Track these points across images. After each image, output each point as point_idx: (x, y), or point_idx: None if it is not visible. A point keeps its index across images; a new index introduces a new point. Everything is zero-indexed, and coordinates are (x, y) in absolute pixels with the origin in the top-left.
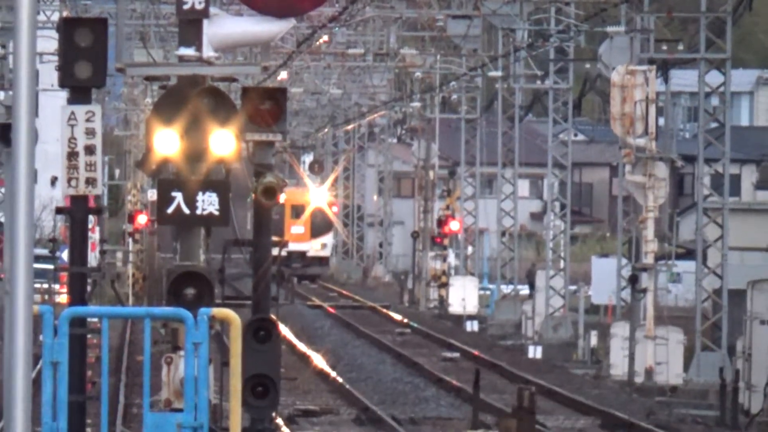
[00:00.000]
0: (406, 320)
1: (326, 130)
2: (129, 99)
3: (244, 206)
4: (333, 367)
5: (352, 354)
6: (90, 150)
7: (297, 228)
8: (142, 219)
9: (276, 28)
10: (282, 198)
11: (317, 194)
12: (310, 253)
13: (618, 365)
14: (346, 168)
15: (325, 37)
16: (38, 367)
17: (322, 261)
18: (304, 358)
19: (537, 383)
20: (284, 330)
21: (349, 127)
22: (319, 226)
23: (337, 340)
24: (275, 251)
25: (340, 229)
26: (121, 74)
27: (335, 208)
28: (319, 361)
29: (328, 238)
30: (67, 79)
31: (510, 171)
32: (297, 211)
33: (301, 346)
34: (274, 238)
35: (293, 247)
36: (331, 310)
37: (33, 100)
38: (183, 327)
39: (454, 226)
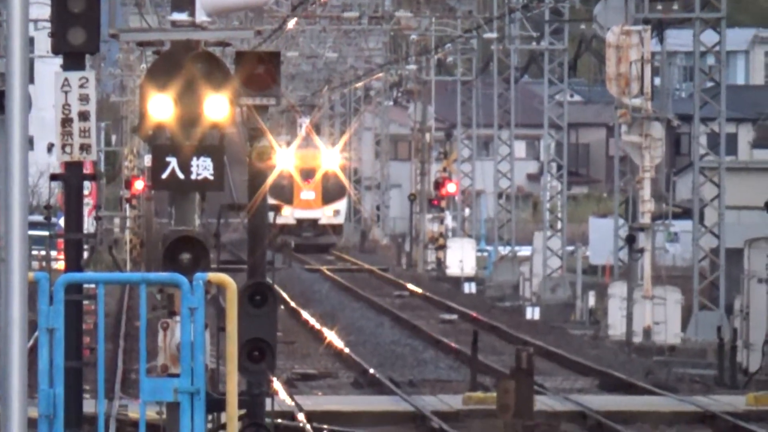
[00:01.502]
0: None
1: (324, 91)
2: (125, 65)
3: (243, 171)
4: (332, 330)
5: (351, 317)
6: (84, 116)
7: (307, 193)
8: (139, 185)
9: None
10: (290, 162)
11: (329, 156)
12: (322, 221)
13: (616, 325)
14: (343, 131)
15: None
16: (35, 334)
17: (335, 229)
18: (302, 322)
19: (535, 344)
20: (282, 294)
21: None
22: (332, 191)
23: (335, 304)
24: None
25: (353, 195)
26: (115, 40)
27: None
28: (317, 324)
29: (342, 204)
30: (60, 45)
31: (506, 132)
32: (307, 175)
33: (300, 310)
34: (271, 202)
35: (303, 214)
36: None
37: (26, 67)
38: (179, 292)
39: (450, 188)
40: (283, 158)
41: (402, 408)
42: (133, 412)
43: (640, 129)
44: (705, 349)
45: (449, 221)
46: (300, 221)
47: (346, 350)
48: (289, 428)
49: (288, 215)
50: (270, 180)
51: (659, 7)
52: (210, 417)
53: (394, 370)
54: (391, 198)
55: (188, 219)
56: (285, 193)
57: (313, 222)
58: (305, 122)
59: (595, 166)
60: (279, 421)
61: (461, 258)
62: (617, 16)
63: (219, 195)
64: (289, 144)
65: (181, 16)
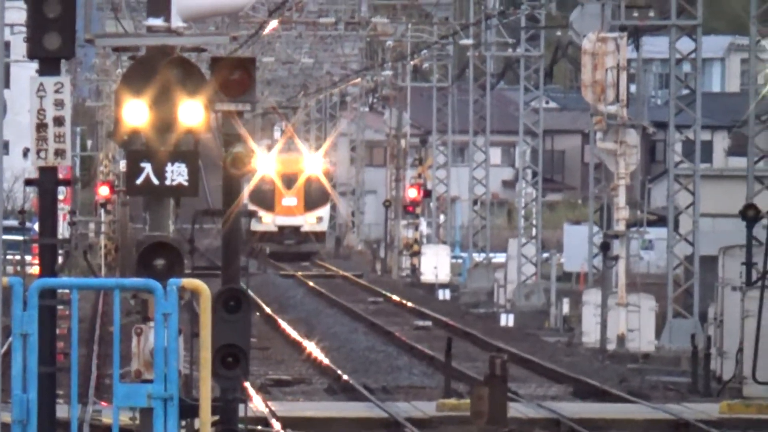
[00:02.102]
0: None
1: (300, 96)
2: (101, 70)
3: (218, 177)
4: (306, 337)
5: (325, 323)
6: (59, 121)
7: (289, 200)
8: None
9: None
10: (271, 167)
11: (312, 161)
12: (305, 228)
13: (590, 332)
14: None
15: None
16: (9, 339)
17: (318, 236)
18: (277, 328)
19: (509, 351)
20: (256, 300)
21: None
22: (315, 197)
23: (310, 310)
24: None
25: (337, 201)
26: (91, 45)
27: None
28: (291, 330)
29: (325, 211)
30: (36, 50)
31: (482, 139)
32: (289, 180)
33: (274, 316)
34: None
35: (285, 221)
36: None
37: (1, 72)
38: (153, 298)
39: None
40: (264, 163)
41: (376, 414)
42: (107, 417)
43: (615, 136)
44: (679, 356)
45: (424, 227)
46: (281, 228)
47: (320, 356)
48: None
49: (269, 222)
50: (251, 185)
51: (635, 14)
52: (183, 423)
53: (368, 376)
54: (366, 204)
55: (163, 225)
56: (266, 199)
57: (295, 229)
58: (282, 126)
59: (570, 173)
60: (253, 427)
61: (436, 264)
62: (593, 22)
63: (193, 200)
64: (270, 148)
65: (157, 22)
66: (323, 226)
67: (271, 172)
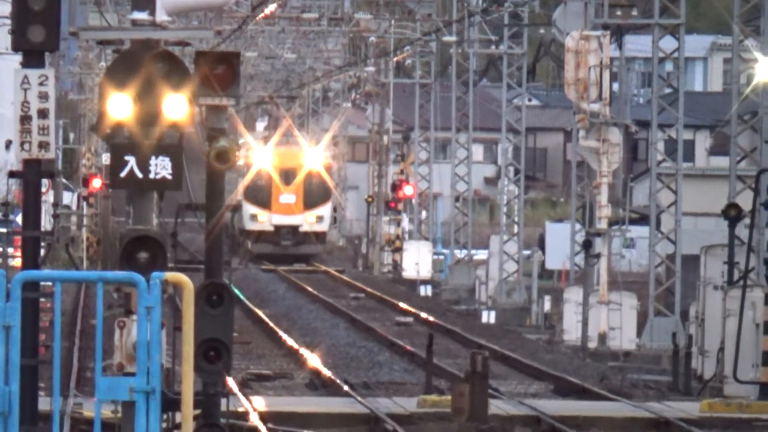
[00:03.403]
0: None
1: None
2: (84, 63)
3: (200, 171)
4: (287, 332)
5: (306, 318)
6: (43, 114)
7: (287, 197)
8: (96, 183)
9: None
10: (267, 161)
11: (312, 155)
12: (304, 228)
13: (571, 330)
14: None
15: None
16: None
17: (318, 237)
18: (258, 322)
19: (490, 348)
20: (238, 294)
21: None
22: (315, 194)
23: (291, 305)
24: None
25: (341, 199)
26: (75, 38)
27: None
28: (273, 325)
29: (326, 209)
30: (20, 42)
31: (464, 136)
32: (287, 176)
33: (255, 310)
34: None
35: (282, 220)
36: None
37: None
38: (136, 291)
39: (408, 190)
40: (261, 157)
41: (356, 410)
42: (88, 410)
43: (597, 134)
44: (660, 355)
45: (406, 224)
46: (278, 228)
47: (302, 351)
48: (243, 429)
49: (265, 221)
50: (245, 181)
51: (618, 12)
52: (165, 416)
53: (348, 371)
54: (348, 200)
55: (146, 218)
56: (262, 196)
57: (293, 229)
58: (265, 121)
59: (553, 171)
60: (234, 421)
61: (417, 261)
62: (576, 21)
63: (175, 194)
64: (266, 141)
65: (142, 15)
66: (324, 226)
67: (267, 167)
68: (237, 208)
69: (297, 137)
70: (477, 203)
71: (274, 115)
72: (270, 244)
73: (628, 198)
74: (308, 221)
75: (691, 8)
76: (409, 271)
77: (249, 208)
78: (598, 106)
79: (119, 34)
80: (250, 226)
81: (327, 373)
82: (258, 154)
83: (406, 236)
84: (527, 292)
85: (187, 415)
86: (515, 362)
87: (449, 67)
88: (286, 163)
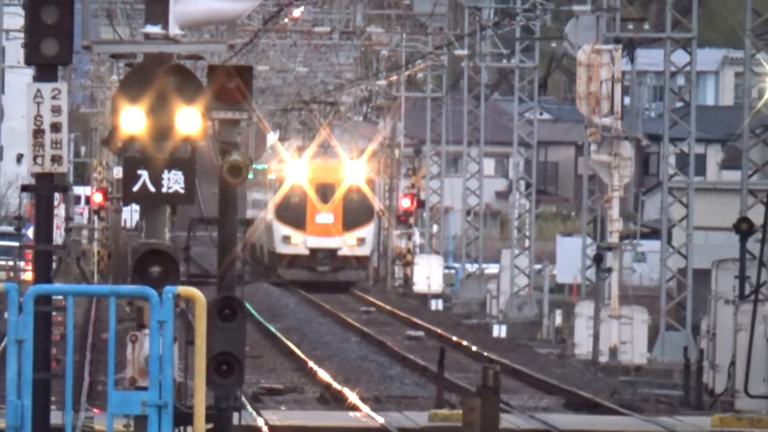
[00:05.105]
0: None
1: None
2: (95, 76)
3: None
4: (298, 345)
5: (317, 332)
6: (56, 127)
7: (324, 216)
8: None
9: (242, 6)
10: (302, 175)
11: (352, 168)
12: (343, 251)
13: (582, 344)
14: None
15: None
16: (3, 344)
17: (359, 261)
18: (270, 336)
19: (501, 362)
20: (249, 308)
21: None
22: (356, 214)
23: (302, 319)
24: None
25: (389, 219)
26: (87, 52)
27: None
28: (284, 339)
29: (368, 230)
30: (33, 56)
31: (475, 150)
32: (325, 192)
33: (267, 325)
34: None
35: (319, 242)
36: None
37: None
38: (148, 305)
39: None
40: (294, 170)
41: (368, 424)
42: (99, 424)
43: (609, 148)
44: (671, 369)
45: (417, 237)
46: (314, 251)
47: (313, 365)
48: None
49: (299, 243)
50: (277, 198)
51: (630, 26)
52: (177, 430)
53: (360, 385)
54: None
55: (159, 232)
56: (296, 215)
57: (331, 253)
58: (275, 136)
59: (564, 185)
60: None
61: (428, 274)
62: (588, 34)
63: (187, 208)
64: (300, 152)
65: (155, 29)
66: (366, 250)
67: (302, 182)
68: (250, 223)
69: (335, 148)
70: (488, 217)
71: (308, 125)
72: (305, 270)
73: (639, 212)
74: (348, 244)
75: (702, 22)
76: (420, 285)
77: (281, 229)
78: (609, 120)
79: (132, 48)
80: (282, 249)
81: (338, 387)
82: (291, 167)
83: (417, 250)
84: (538, 306)
85: (200, 429)
86: (526, 376)
87: (461, 80)
88: (323, 178)
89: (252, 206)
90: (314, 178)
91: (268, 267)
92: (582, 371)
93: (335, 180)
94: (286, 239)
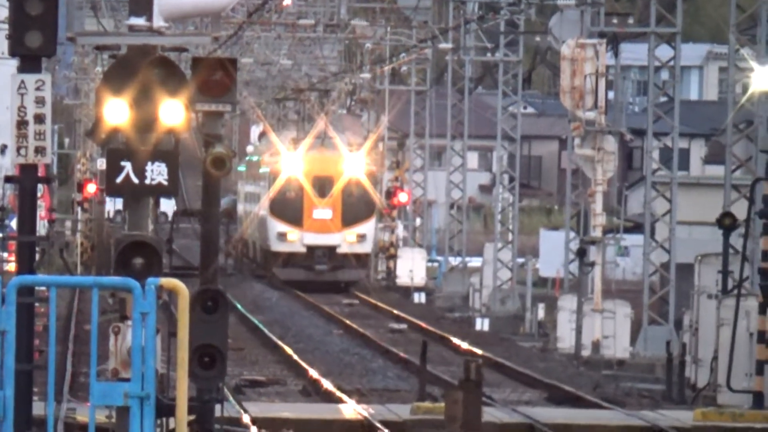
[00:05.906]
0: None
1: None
2: (79, 68)
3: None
4: (281, 338)
5: (300, 324)
6: (39, 119)
7: (322, 211)
8: (91, 188)
9: None
10: (298, 168)
11: (352, 160)
12: (342, 249)
13: (565, 338)
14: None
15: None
16: None
17: (359, 260)
18: (253, 329)
19: (484, 356)
20: (232, 301)
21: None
22: (356, 209)
23: (285, 311)
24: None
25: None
26: (71, 43)
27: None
28: (267, 331)
29: (368, 227)
30: (17, 47)
31: (459, 143)
32: (323, 186)
33: (250, 317)
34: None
35: (316, 239)
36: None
37: None
38: (131, 297)
39: (402, 197)
40: (290, 163)
41: (350, 417)
42: (82, 415)
43: (593, 142)
44: (653, 363)
45: (400, 231)
46: (311, 249)
47: (296, 357)
48: None
49: (295, 241)
50: (272, 192)
51: (614, 20)
52: (159, 422)
53: (342, 378)
54: None
55: (142, 224)
56: (292, 210)
57: (330, 250)
58: (259, 128)
59: (548, 179)
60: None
61: (411, 268)
62: (572, 29)
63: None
64: (296, 143)
65: (139, 21)
66: (366, 247)
67: (298, 175)
68: (231, 215)
69: (334, 139)
70: (471, 211)
71: (303, 114)
72: (301, 269)
73: (622, 206)
74: (348, 241)
75: (687, 17)
76: (403, 278)
77: (276, 225)
78: (593, 115)
79: (116, 40)
80: (278, 246)
81: (321, 379)
82: (287, 159)
83: (401, 243)
84: (521, 299)
85: (182, 420)
86: (509, 370)
87: (445, 74)
88: (320, 171)
89: (245, 199)
90: (311, 171)
91: (262, 266)
92: (565, 365)
93: (333, 173)
94: (282, 236)
